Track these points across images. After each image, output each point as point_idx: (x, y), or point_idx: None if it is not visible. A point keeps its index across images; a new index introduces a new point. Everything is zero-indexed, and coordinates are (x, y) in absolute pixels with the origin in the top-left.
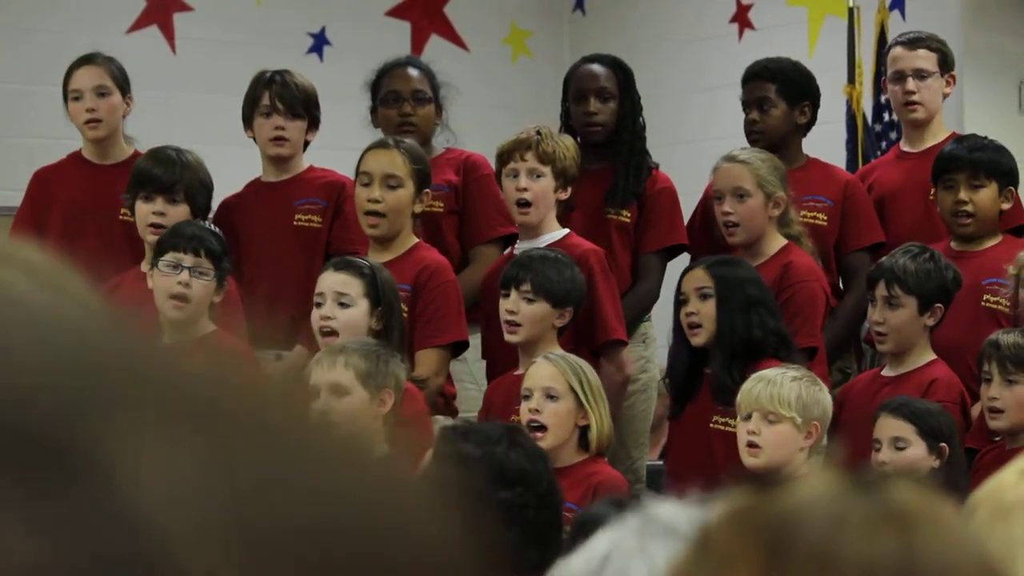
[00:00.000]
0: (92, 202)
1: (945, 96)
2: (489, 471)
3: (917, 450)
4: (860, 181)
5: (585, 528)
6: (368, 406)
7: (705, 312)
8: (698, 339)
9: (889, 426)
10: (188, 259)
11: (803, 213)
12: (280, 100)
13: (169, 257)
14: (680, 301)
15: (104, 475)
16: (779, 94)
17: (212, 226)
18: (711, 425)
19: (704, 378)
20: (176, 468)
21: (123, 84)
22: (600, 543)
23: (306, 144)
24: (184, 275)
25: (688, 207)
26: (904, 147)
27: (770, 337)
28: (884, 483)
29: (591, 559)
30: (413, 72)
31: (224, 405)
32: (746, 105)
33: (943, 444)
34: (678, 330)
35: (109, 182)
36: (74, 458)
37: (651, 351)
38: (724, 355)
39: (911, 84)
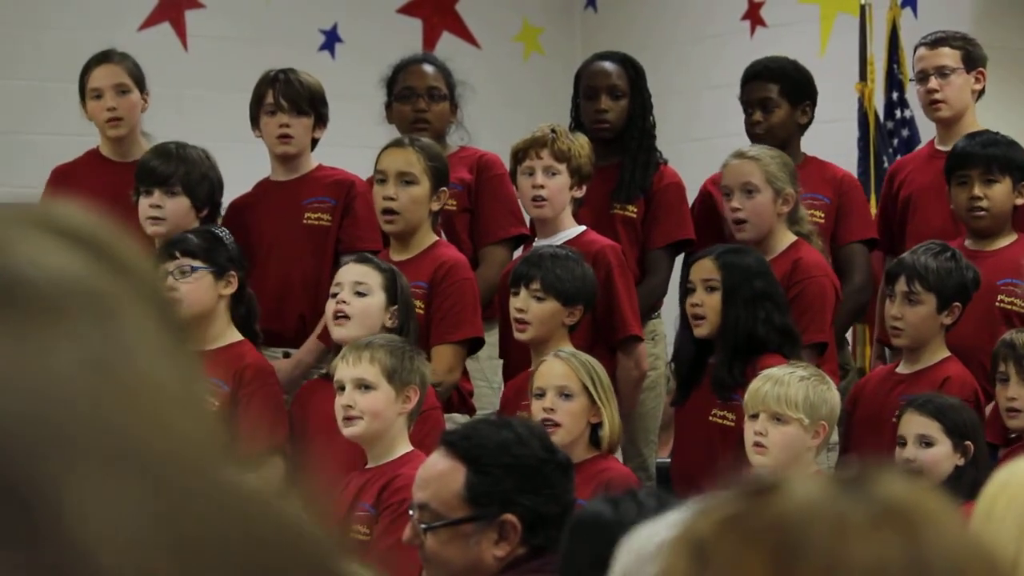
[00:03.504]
0: (110, 200)
1: (978, 93)
2: (540, 442)
3: (942, 447)
4: (891, 174)
5: (582, 526)
6: (393, 402)
7: (710, 304)
8: (700, 330)
9: (915, 423)
10: (170, 265)
11: None
12: (284, 97)
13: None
14: (687, 289)
15: (57, 518)
16: (782, 94)
17: (212, 226)
18: (710, 418)
19: (708, 369)
20: (123, 514)
21: (140, 81)
22: (670, 526)
23: (315, 142)
24: (169, 280)
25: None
26: (938, 146)
27: (774, 333)
28: (878, 480)
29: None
30: (429, 69)
31: (170, 456)
32: (747, 105)
33: (968, 442)
34: (685, 318)
35: (127, 180)
36: (30, 502)
37: (660, 348)
38: (727, 349)
39: (933, 83)
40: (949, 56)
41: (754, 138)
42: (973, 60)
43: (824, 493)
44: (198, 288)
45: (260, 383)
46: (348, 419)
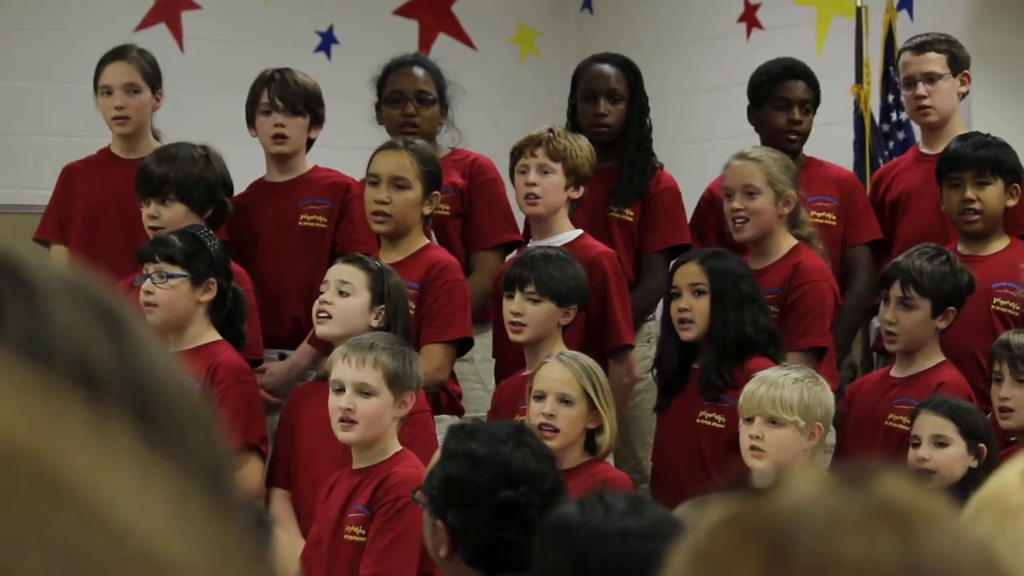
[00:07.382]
0: (115, 197)
1: (962, 96)
2: (494, 469)
3: (957, 448)
4: (876, 179)
5: (549, 529)
6: (390, 407)
7: (698, 309)
8: (689, 334)
9: (929, 423)
10: (150, 267)
11: (812, 213)
12: (280, 97)
13: (140, 275)
14: (672, 294)
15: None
16: (807, 94)
17: (197, 228)
18: (698, 420)
19: (692, 373)
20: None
21: (153, 80)
22: None
23: (311, 143)
24: (147, 283)
25: (692, 207)
26: (923, 149)
27: (761, 334)
28: (876, 479)
29: None
30: (418, 72)
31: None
32: (787, 104)
33: (981, 444)
34: (668, 323)
35: (133, 177)
36: None
37: (656, 351)
38: (716, 352)
39: (921, 88)
40: (936, 61)
41: (791, 136)
42: (958, 63)
43: (821, 491)
44: (174, 295)
45: (232, 380)
46: (345, 422)
